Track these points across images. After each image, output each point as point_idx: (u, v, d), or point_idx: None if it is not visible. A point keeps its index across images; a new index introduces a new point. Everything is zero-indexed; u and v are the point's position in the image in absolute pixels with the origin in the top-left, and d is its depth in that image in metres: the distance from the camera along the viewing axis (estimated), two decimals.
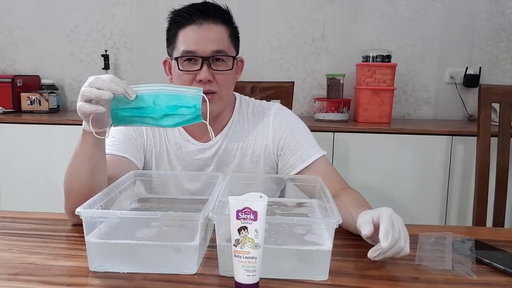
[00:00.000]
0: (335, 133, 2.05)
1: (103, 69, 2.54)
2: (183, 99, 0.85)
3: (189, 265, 0.75)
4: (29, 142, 2.21)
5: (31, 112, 2.42)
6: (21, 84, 2.48)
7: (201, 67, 1.07)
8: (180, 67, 1.09)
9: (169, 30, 1.14)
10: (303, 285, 0.72)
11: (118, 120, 0.86)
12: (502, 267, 0.78)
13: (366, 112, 2.23)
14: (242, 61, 1.20)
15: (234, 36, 1.15)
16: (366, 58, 2.28)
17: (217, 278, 0.74)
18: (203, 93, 0.86)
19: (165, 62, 1.18)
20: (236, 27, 1.16)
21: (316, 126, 2.00)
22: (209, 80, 1.07)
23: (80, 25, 2.65)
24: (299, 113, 2.56)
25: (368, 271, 0.78)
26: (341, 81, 2.37)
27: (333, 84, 2.37)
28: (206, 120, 0.86)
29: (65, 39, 2.67)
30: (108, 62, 2.55)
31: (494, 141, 1.50)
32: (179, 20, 1.10)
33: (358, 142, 2.06)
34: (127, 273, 0.74)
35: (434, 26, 2.47)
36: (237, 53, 1.17)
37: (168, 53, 1.16)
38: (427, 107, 2.53)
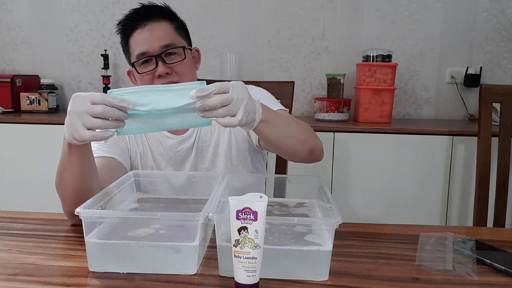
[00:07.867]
0: (335, 133, 2.05)
1: (102, 68, 2.54)
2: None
3: (189, 266, 0.74)
4: (28, 142, 2.21)
5: (30, 112, 2.42)
6: (20, 84, 2.48)
7: (156, 64, 1.12)
8: (138, 70, 1.15)
9: (121, 42, 1.19)
10: (303, 286, 0.71)
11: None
12: (503, 268, 0.78)
13: (367, 112, 2.22)
14: (198, 51, 1.25)
15: (181, 28, 1.19)
16: (366, 58, 2.28)
17: (217, 279, 0.73)
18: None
19: (129, 73, 1.22)
20: (181, 20, 1.21)
21: (316, 126, 1.99)
22: (167, 73, 1.12)
23: (79, 25, 2.65)
24: (299, 113, 2.56)
25: (368, 271, 0.77)
26: (342, 81, 2.36)
27: (333, 84, 2.37)
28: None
29: (65, 39, 2.67)
30: (108, 61, 2.54)
31: (494, 141, 1.50)
32: (125, 29, 1.16)
33: (358, 142, 2.06)
34: (126, 273, 0.74)
35: (435, 26, 2.46)
36: (189, 44, 1.22)
37: (128, 63, 1.20)
38: (427, 107, 2.53)
